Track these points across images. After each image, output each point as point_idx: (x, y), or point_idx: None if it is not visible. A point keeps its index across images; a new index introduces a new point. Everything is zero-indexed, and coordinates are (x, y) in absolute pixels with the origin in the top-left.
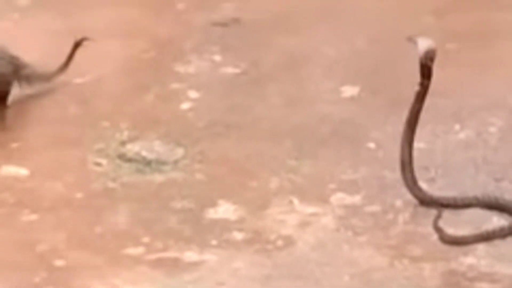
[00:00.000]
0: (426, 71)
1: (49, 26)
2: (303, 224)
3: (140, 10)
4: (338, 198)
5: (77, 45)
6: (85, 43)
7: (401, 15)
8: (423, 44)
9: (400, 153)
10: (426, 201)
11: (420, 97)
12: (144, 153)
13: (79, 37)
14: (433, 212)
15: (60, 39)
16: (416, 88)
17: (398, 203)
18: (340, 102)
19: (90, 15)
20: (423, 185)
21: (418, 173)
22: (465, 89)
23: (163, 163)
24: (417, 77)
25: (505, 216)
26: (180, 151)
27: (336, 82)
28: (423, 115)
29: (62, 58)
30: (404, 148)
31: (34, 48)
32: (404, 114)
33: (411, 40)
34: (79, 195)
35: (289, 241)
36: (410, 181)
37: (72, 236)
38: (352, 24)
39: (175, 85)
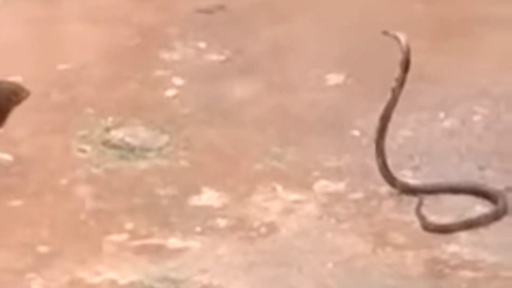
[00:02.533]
0: (406, 65)
1: (31, 13)
2: (287, 211)
3: None
4: (322, 185)
5: None
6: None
7: (389, 2)
8: (403, 38)
9: (376, 148)
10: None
11: (398, 92)
12: (128, 140)
13: None
14: (417, 200)
15: (41, 26)
16: (394, 84)
17: (382, 190)
18: (325, 89)
19: (72, 2)
20: (407, 173)
21: (402, 161)
22: (451, 77)
23: (147, 149)
24: None
25: (488, 203)
26: (164, 138)
27: (321, 70)
28: (408, 103)
29: (42, 46)
30: (379, 142)
31: (15, 35)
32: None
33: (389, 34)
34: (63, 181)
35: (272, 228)
36: (386, 173)
37: (56, 222)
38: (338, 11)
39: (159, 72)
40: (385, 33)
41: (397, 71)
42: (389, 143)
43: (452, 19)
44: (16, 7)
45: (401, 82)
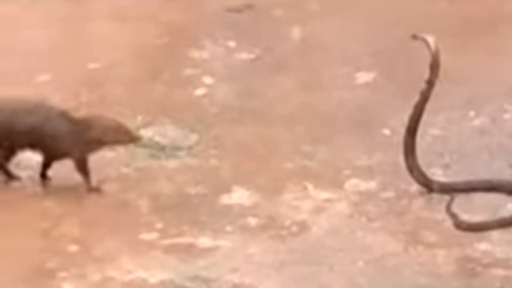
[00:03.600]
0: (435, 68)
1: (60, 13)
2: (318, 210)
3: None
4: (353, 184)
5: None
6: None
7: (416, 1)
8: (432, 41)
9: (405, 149)
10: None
11: (428, 94)
12: (157, 139)
13: None
14: (447, 198)
15: (71, 25)
16: (424, 86)
17: (413, 189)
18: (355, 88)
19: (101, 1)
20: (437, 171)
21: (432, 159)
22: (480, 76)
23: (177, 148)
24: None
25: None
26: (194, 137)
27: (351, 68)
28: (438, 102)
29: (71, 45)
30: (408, 143)
31: (45, 35)
32: None
33: (418, 37)
34: (93, 180)
35: (303, 227)
36: (417, 173)
37: (86, 222)
38: (366, 10)
39: (189, 71)
40: (414, 36)
41: (427, 74)
42: (419, 142)
43: (479, 18)
44: (46, 7)
45: (431, 84)
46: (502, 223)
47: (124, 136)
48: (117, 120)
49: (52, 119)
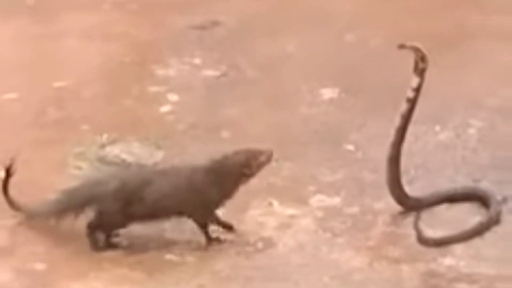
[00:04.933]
0: (423, 74)
1: (27, 30)
2: (283, 226)
3: (118, 13)
4: (318, 199)
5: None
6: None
7: (380, 16)
8: (420, 47)
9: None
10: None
11: (414, 102)
12: (123, 156)
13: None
14: (413, 213)
15: (37, 43)
16: (411, 94)
17: (378, 204)
18: (319, 104)
19: (67, 19)
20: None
21: None
22: (446, 90)
23: (143, 166)
24: (395, 80)
25: (483, 213)
26: (159, 154)
27: (315, 84)
28: None
29: (37, 63)
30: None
31: (11, 52)
32: (382, 116)
33: (406, 46)
34: None
35: (269, 243)
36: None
37: (53, 239)
38: (331, 26)
39: (154, 88)
40: (402, 46)
41: (414, 81)
42: (383, 157)
43: (442, 32)
44: (12, 24)
45: (419, 90)
46: (465, 236)
47: (263, 158)
48: (244, 149)
49: (188, 180)
